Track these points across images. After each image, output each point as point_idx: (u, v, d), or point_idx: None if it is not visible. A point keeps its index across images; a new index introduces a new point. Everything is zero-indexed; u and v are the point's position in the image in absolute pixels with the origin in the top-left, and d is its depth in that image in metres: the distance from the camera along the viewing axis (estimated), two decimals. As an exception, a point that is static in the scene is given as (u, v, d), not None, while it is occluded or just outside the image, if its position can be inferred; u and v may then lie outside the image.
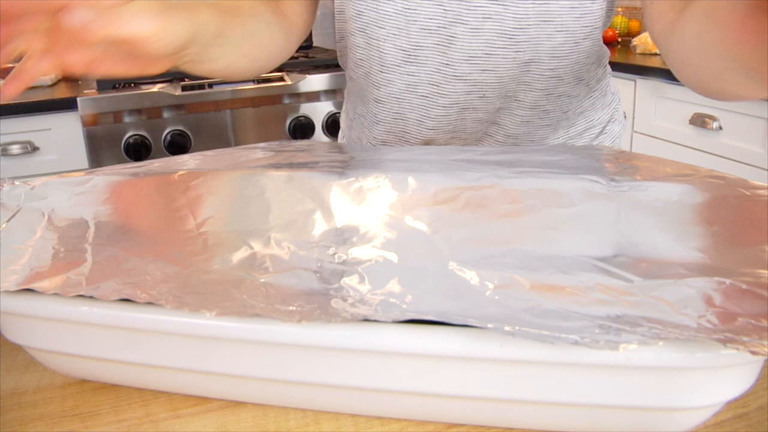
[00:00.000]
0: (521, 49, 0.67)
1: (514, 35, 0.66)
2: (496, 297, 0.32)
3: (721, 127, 1.58)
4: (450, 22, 0.67)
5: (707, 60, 0.50)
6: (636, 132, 1.91)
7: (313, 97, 1.78)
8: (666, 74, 1.68)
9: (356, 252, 0.36)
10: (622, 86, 1.84)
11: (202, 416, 0.36)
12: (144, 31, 0.46)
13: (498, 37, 0.67)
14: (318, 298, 0.33)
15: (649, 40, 1.91)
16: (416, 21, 0.67)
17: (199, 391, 0.37)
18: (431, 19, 0.67)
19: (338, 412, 0.36)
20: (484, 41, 0.67)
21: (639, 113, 1.87)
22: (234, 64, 0.63)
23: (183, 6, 0.51)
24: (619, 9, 2.36)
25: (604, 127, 0.80)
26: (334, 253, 0.36)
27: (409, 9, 0.67)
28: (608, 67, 0.80)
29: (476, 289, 0.33)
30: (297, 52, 2.11)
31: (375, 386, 0.32)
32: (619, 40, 2.25)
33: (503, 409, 0.33)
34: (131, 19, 0.45)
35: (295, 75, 1.80)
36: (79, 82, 1.98)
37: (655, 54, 1.90)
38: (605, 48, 0.76)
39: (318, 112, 1.79)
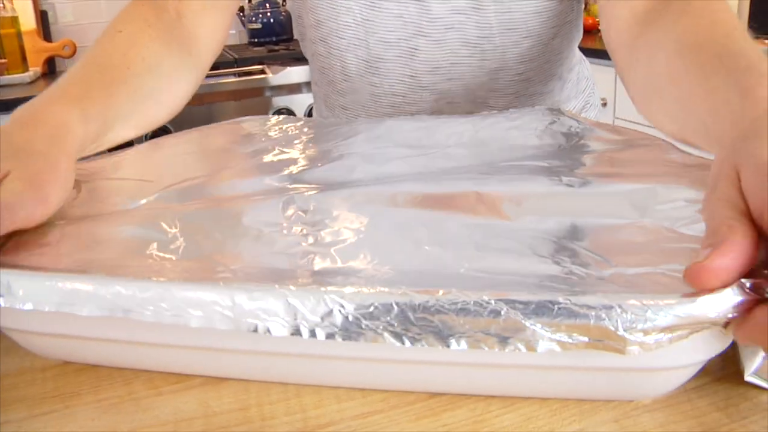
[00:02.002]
0: (487, 58, 0.65)
1: (478, 44, 0.64)
2: (471, 273, 0.32)
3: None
4: (411, 34, 0.65)
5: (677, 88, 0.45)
6: (617, 118, 1.93)
7: (295, 89, 1.78)
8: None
9: (328, 233, 0.37)
10: (601, 73, 1.84)
11: (184, 393, 0.36)
12: (31, 219, 0.39)
13: (462, 46, 0.65)
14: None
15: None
16: (376, 33, 0.65)
17: (180, 368, 0.37)
18: (391, 31, 0.65)
19: (319, 384, 0.36)
20: (449, 51, 0.65)
21: (620, 100, 1.88)
22: (128, 133, 0.56)
23: (52, 153, 0.43)
24: (599, -4, 2.36)
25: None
26: (305, 234, 0.37)
27: (368, 21, 0.65)
28: (579, 52, 0.79)
29: (450, 267, 0.33)
30: (277, 45, 2.10)
31: (354, 355, 0.33)
32: (599, 27, 2.26)
33: (482, 374, 0.33)
34: (11, 214, 0.38)
35: (276, 67, 1.79)
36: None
37: (635, 40, 1.91)
38: (579, 33, 0.73)
39: (299, 103, 1.78)
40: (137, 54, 0.56)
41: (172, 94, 0.61)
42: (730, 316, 0.28)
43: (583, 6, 0.70)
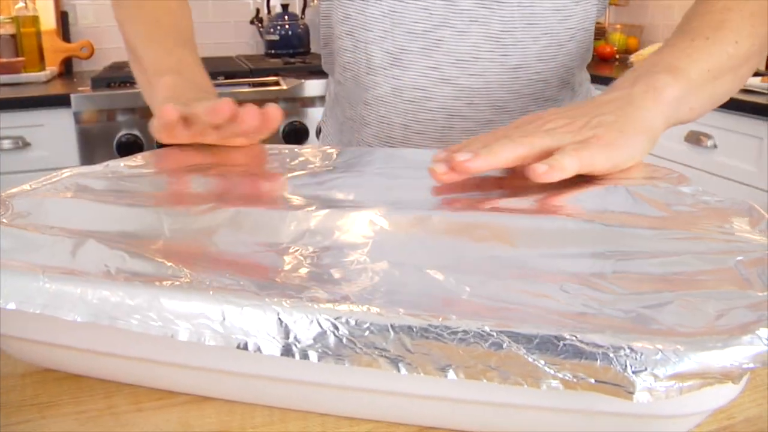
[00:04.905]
0: (508, 53, 0.67)
1: (500, 38, 0.66)
2: (474, 299, 0.31)
3: (716, 145, 1.57)
4: (436, 25, 0.66)
5: None
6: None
7: (308, 102, 1.77)
8: (663, 91, 1.67)
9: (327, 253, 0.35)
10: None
11: (165, 410, 0.35)
12: None
13: (485, 40, 0.67)
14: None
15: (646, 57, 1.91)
16: (402, 24, 0.67)
17: (164, 384, 0.36)
18: (417, 22, 0.67)
19: (306, 411, 0.34)
20: (471, 44, 0.67)
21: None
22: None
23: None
24: (618, 26, 2.36)
25: None
26: (305, 254, 0.35)
27: (395, 12, 0.67)
28: (588, 76, 0.81)
29: (452, 291, 0.31)
30: (294, 57, 2.10)
31: (344, 384, 0.31)
32: (617, 56, 2.25)
33: (480, 412, 0.32)
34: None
35: (291, 80, 1.79)
36: (74, 80, 1.96)
37: (653, 71, 1.89)
38: (590, 49, 0.76)
39: (312, 117, 1.78)
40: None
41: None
42: (744, 366, 0.26)
43: (594, 28, 0.74)
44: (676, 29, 0.59)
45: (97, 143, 1.67)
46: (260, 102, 1.94)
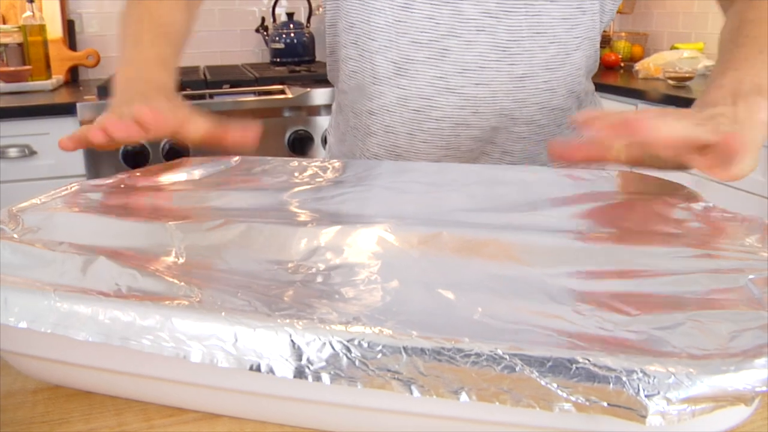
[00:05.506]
0: (515, 62, 0.67)
1: (507, 47, 0.66)
2: (486, 320, 0.30)
3: (722, 155, 1.57)
4: (442, 35, 0.66)
5: None
6: (636, 157, 1.90)
7: (314, 111, 1.77)
8: (667, 99, 1.67)
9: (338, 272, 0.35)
10: (623, 110, 1.83)
11: (176, 427, 0.35)
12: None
13: (491, 49, 0.66)
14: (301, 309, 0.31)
15: (651, 65, 1.91)
16: (407, 34, 0.67)
17: (174, 401, 0.36)
18: (422, 32, 0.66)
19: (317, 429, 0.34)
20: (478, 54, 0.67)
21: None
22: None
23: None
24: (623, 34, 2.36)
25: None
26: (316, 272, 0.35)
27: (399, 22, 0.67)
28: (593, 87, 0.81)
29: (463, 312, 0.31)
30: (299, 66, 2.11)
31: (356, 403, 0.31)
32: (622, 64, 2.25)
33: (490, 431, 0.31)
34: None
35: (296, 89, 1.79)
36: (80, 88, 1.97)
37: (657, 79, 1.90)
38: (596, 59, 0.76)
39: (318, 126, 1.78)
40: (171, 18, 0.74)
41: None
42: (757, 390, 0.26)
43: (600, 38, 0.74)
44: (731, 38, 0.60)
45: (103, 152, 1.66)
46: (264, 110, 1.93)
